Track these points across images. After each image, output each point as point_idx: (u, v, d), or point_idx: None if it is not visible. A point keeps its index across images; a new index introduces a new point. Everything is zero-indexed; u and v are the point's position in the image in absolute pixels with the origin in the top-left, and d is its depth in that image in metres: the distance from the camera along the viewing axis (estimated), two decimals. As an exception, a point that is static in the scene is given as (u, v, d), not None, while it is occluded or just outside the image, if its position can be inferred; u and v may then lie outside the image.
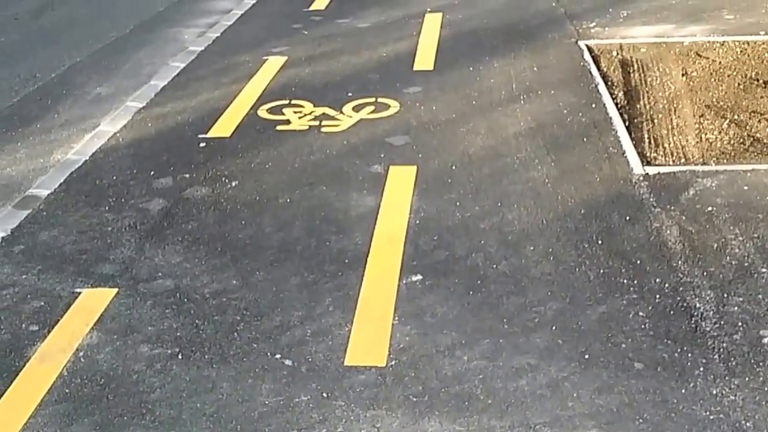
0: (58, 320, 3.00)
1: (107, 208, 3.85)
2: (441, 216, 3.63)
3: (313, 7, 7.57)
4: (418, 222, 3.60)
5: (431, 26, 6.71)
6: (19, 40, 7.03)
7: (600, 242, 3.36)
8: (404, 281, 3.14)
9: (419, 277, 3.17)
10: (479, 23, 6.78)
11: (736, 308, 2.91)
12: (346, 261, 3.31)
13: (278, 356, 2.75)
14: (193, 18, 7.56)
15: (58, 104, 5.45)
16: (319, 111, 4.97)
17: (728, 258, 3.22)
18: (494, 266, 3.22)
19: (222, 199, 3.91)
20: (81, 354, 2.80)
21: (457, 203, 3.75)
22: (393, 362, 2.70)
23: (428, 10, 7.22)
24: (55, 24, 7.56)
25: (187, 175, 4.17)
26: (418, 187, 3.94)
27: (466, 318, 2.91)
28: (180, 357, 2.77)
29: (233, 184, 4.06)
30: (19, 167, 4.50)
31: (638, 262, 3.21)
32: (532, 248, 3.33)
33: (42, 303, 3.11)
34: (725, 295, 2.98)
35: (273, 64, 5.89)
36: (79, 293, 3.16)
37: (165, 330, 2.91)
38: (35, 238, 3.61)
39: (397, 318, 2.92)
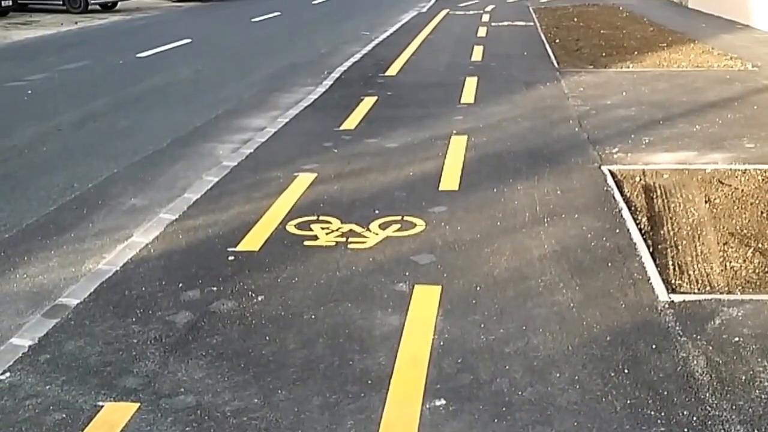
0: (79, 434, 2.98)
1: (134, 319, 3.90)
2: (465, 338, 3.63)
3: (343, 127, 7.86)
4: (442, 343, 3.59)
5: (457, 148, 6.91)
6: (61, 150, 7.36)
7: (626, 371, 3.31)
8: (427, 405, 3.10)
9: (443, 401, 3.13)
10: (503, 146, 6.98)
11: (768, 446, 2.83)
12: (369, 382, 3.29)
13: (297, 481, 2.70)
14: (228, 134, 7.88)
15: (93, 214, 5.62)
16: (346, 228, 5.07)
17: (757, 391, 3.16)
18: (519, 393, 3.17)
19: (247, 313, 3.94)
20: (99, 471, 2.77)
21: (482, 325, 3.74)
22: (414, 492, 2.63)
23: (454, 132, 7.46)
24: (95, 135, 7.92)
25: (215, 289, 4.23)
26: (443, 307, 3.95)
27: (490, 447, 2.85)
28: (198, 478, 2.72)
29: (259, 298, 4.10)
30: (50, 275, 4.61)
31: (665, 393, 3.16)
32: (557, 375, 3.29)
33: (64, 415, 3.10)
34: (755, 431, 2.90)
35: (303, 180, 6.07)
36: (102, 407, 3.15)
37: (184, 448, 2.88)
38: (61, 348, 3.64)
39: (419, 444, 2.87)
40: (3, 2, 19.73)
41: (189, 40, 15.34)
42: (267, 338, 3.68)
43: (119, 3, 22.88)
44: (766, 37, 14.55)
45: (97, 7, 21.97)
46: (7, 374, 3.41)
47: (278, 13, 21.13)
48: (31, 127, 8.18)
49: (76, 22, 19.08)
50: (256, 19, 19.61)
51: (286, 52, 13.87)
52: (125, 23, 19.53)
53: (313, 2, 25.33)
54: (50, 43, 15.48)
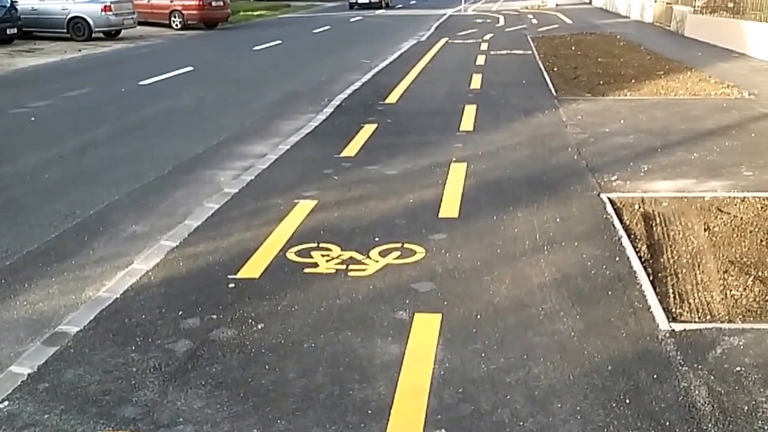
0: (77, 464, 2.96)
1: (134, 347, 3.89)
2: (466, 367, 3.61)
3: (344, 154, 7.90)
4: (442, 373, 3.57)
5: (456, 175, 6.94)
6: (63, 177, 7.38)
7: (628, 401, 3.30)
8: (428, 436, 3.09)
9: None
10: (503, 174, 7.01)
11: (772, 478, 2.80)
12: (370, 412, 3.27)
13: None
14: (229, 161, 7.92)
15: (94, 241, 5.63)
16: (346, 255, 5.07)
17: (760, 422, 3.14)
18: (521, 423, 3.16)
19: (247, 341, 3.93)
20: (97, 502, 2.75)
21: (482, 354, 3.73)
22: None
23: (453, 159, 7.50)
24: (97, 163, 7.94)
25: (215, 316, 4.22)
26: (443, 336, 3.94)
27: (491, 478, 2.83)
28: None
29: (259, 326, 4.09)
30: (51, 303, 4.60)
31: (667, 423, 3.14)
32: (559, 405, 3.28)
33: (62, 445, 3.09)
34: (760, 463, 2.89)
35: (303, 207, 6.08)
36: (100, 436, 3.14)
37: (183, 479, 2.86)
38: (60, 376, 3.63)
39: (419, 475, 2.85)
40: (8, 30, 19.90)
41: (191, 68, 15.47)
42: (267, 367, 3.67)
43: (123, 31, 23.10)
44: (762, 65, 14.69)
45: (101, 35, 22.18)
46: (6, 403, 3.40)
47: (279, 42, 21.34)
48: (34, 154, 8.22)
49: (79, 50, 19.25)
50: (258, 48, 19.80)
51: (287, 80, 13.99)
52: (128, 51, 19.71)
53: (314, 31, 25.59)
54: (54, 71, 15.60)
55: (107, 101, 11.79)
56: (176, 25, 26.17)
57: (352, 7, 37.14)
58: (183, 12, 26.07)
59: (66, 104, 11.49)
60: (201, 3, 26.00)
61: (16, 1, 20.87)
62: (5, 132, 9.53)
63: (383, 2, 37.91)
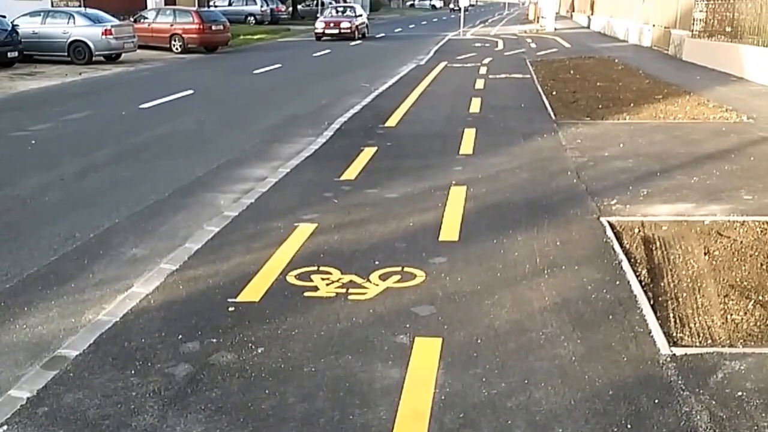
0: (75, 490, 2.94)
1: (133, 371, 3.87)
2: (467, 392, 3.60)
3: (343, 177, 7.92)
4: (443, 397, 3.56)
5: (456, 198, 6.96)
6: (63, 200, 7.39)
7: (629, 426, 3.29)
8: (429, 461, 3.07)
9: (444, 457, 3.09)
10: (502, 197, 7.03)
11: (776, 505, 2.78)
12: (370, 437, 3.26)
13: None
14: (229, 184, 7.94)
15: (93, 264, 5.62)
16: (346, 278, 5.07)
17: (764, 448, 3.13)
18: (521, 449, 3.14)
19: (247, 366, 3.92)
20: None
21: (483, 379, 3.72)
22: None
23: (453, 183, 7.52)
24: (98, 186, 7.96)
25: (215, 340, 4.21)
26: (444, 360, 3.93)
27: (492, 505, 2.81)
28: None
29: (259, 350, 4.08)
30: (50, 326, 4.59)
31: (670, 449, 3.13)
32: (560, 430, 3.26)
33: (60, 471, 3.06)
34: (764, 490, 2.87)
35: (303, 230, 6.09)
36: (99, 462, 3.12)
37: (182, 505, 2.83)
38: (60, 400, 3.61)
39: (421, 502, 2.83)
40: (9, 53, 20.03)
41: (191, 92, 15.56)
42: (267, 391, 3.66)
43: (123, 55, 23.25)
44: (760, 89, 14.79)
45: (101, 58, 22.33)
46: (5, 427, 3.38)
47: (279, 66, 21.48)
48: (34, 177, 8.23)
49: (80, 73, 19.36)
50: (258, 71, 19.93)
51: (287, 103, 14.07)
52: (129, 74, 19.83)
53: (314, 55, 25.78)
54: (54, 94, 15.68)
55: (108, 124, 11.84)
56: (176, 49, 26.35)
57: (319, 38, 32.85)
58: (183, 36, 26.27)
59: (66, 127, 11.54)
60: (201, 27, 26.22)
61: (17, 25, 21.04)
62: (6, 155, 9.56)
63: (356, 33, 33.74)
